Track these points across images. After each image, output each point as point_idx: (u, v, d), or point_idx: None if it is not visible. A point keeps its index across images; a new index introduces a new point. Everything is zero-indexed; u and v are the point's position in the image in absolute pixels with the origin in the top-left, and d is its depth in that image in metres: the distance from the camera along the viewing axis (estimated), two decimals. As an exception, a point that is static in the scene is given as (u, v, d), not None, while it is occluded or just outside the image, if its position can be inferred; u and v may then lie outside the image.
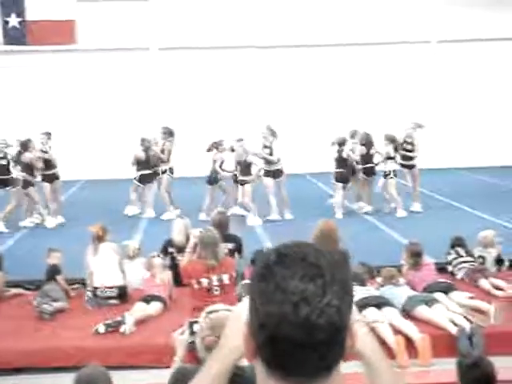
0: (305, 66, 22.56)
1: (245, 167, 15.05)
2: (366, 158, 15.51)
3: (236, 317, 1.91)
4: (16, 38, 21.64)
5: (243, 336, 1.60)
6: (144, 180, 15.65)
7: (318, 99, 22.44)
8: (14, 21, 21.59)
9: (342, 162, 15.26)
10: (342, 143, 15.31)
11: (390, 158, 15.39)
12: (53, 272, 9.36)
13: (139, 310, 8.45)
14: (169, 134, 15.92)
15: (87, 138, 21.84)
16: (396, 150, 15.50)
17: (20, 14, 21.58)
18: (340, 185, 15.28)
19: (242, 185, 15.05)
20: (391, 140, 15.45)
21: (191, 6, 22.12)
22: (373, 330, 7.46)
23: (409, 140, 15.69)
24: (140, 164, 15.69)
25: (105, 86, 22.09)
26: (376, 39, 22.43)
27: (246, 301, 1.73)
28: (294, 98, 22.41)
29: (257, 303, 1.51)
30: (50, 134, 15.53)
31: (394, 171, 15.30)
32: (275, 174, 15.16)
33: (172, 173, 15.87)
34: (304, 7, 22.29)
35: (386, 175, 15.36)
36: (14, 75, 21.82)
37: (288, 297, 1.47)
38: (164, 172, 15.75)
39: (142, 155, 15.65)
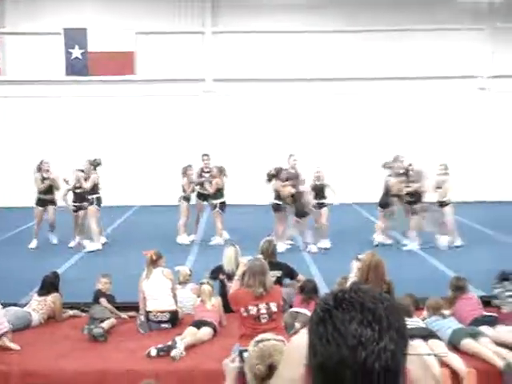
0: (349, 99, 22.58)
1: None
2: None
3: (293, 349, 1.91)
4: (78, 68, 22.13)
5: (302, 375, 1.61)
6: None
7: (365, 131, 22.41)
8: (76, 52, 22.10)
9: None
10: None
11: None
12: (97, 297, 9.51)
13: (190, 334, 8.45)
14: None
15: (143, 164, 22.13)
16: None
17: (82, 45, 22.08)
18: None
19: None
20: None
21: (244, 40, 22.39)
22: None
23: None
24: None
25: (161, 115, 22.40)
26: (428, 73, 22.41)
27: (302, 334, 1.74)
28: (345, 130, 22.42)
29: (316, 345, 1.52)
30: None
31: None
32: None
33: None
34: (355, 41, 22.42)
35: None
36: (76, 104, 22.30)
37: (346, 340, 1.48)
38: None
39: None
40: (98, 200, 15.14)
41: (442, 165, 15.43)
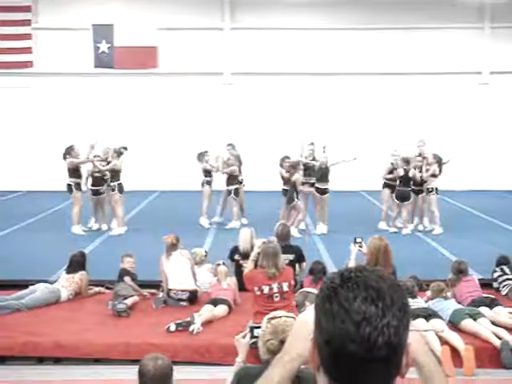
0: (358, 92, 22.47)
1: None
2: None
3: (300, 325, 1.91)
4: (105, 61, 22.16)
5: (309, 350, 1.60)
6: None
7: (372, 122, 22.30)
8: (103, 46, 22.11)
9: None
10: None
11: (434, 176, 15.08)
12: (121, 275, 9.54)
13: (207, 311, 8.49)
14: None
15: (165, 151, 22.16)
16: (440, 169, 15.24)
17: (109, 40, 22.10)
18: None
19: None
20: (438, 160, 15.24)
21: (261, 36, 22.34)
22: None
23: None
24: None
25: (182, 106, 22.40)
26: (433, 69, 22.29)
27: (309, 310, 1.73)
28: (354, 121, 22.33)
29: (322, 321, 1.52)
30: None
31: (436, 188, 15.03)
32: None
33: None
34: (365, 37, 22.31)
35: (429, 192, 15.06)
36: (102, 94, 22.34)
37: (351, 316, 1.48)
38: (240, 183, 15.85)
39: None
40: (120, 186, 15.02)
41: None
